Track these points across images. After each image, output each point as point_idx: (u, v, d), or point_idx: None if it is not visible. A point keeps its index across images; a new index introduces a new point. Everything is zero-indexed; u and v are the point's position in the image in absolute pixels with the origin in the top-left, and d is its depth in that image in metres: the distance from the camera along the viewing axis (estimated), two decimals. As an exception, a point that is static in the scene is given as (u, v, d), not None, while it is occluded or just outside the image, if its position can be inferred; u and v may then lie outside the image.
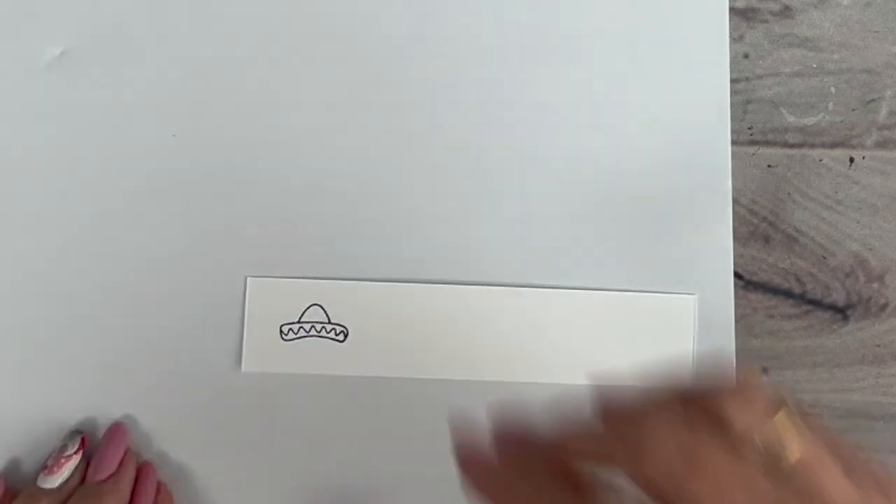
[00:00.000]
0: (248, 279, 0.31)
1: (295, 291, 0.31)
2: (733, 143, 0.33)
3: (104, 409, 0.31)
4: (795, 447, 0.21)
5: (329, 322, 0.31)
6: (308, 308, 0.31)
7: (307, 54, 0.33)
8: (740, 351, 0.32)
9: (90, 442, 0.30)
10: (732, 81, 0.33)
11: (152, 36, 0.33)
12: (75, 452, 0.29)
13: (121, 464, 0.29)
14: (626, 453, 0.22)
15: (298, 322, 0.31)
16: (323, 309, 0.31)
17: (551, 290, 0.31)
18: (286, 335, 0.31)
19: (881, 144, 0.34)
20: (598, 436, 0.23)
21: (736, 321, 0.32)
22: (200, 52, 0.33)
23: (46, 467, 0.28)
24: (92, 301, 0.31)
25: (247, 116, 0.32)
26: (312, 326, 0.31)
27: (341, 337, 0.31)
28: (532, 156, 0.33)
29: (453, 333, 0.31)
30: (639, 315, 0.32)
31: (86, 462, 0.29)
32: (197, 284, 0.31)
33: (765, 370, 0.33)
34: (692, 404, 0.22)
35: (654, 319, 0.32)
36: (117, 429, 0.30)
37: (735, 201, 0.33)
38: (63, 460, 0.28)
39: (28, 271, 0.32)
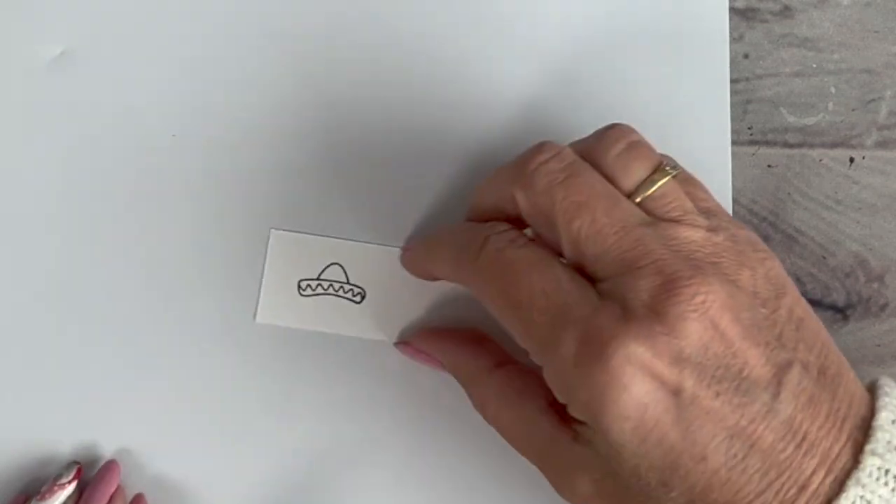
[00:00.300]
0: (272, 231, 0.32)
1: (316, 248, 0.32)
2: (733, 143, 0.33)
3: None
4: (659, 186, 0.24)
5: (347, 282, 0.31)
6: (328, 266, 0.31)
7: (309, 55, 0.33)
8: (740, 351, 0.32)
9: (87, 470, 0.30)
10: (732, 81, 0.33)
11: (153, 35, 0.33)
12: (69, 482, 0.29)
13: (110, 500, 0.29)
14: (516, 184, 0.25)
15: (317, 279, 0.31)
16: (343, 268, 0.31)
17: None
18: (304, 290, 0.31)
19: (881, 144, 0.34)
20: (496, 180, 0.27)
21: (736, 321, 0.32)
22: (200, 52, 0.33)
23: (40, 493, 0.29)
24: (101, 294, 0.31)
25: (257, 106, 0.33)
26: (331, 285, 0.31)
27: (358, 298, 0.31)
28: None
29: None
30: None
31: (79, 493, 0.30)
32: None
33: (765, 370, 0.33)
34: (579, 150, 0.25)
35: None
36: (110, 466, 0.30)
37: (735, 201, 0.33)
38: (56, 488, 0.29)
39: (27, 271, 0.32)
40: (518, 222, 0.26)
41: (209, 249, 0.32)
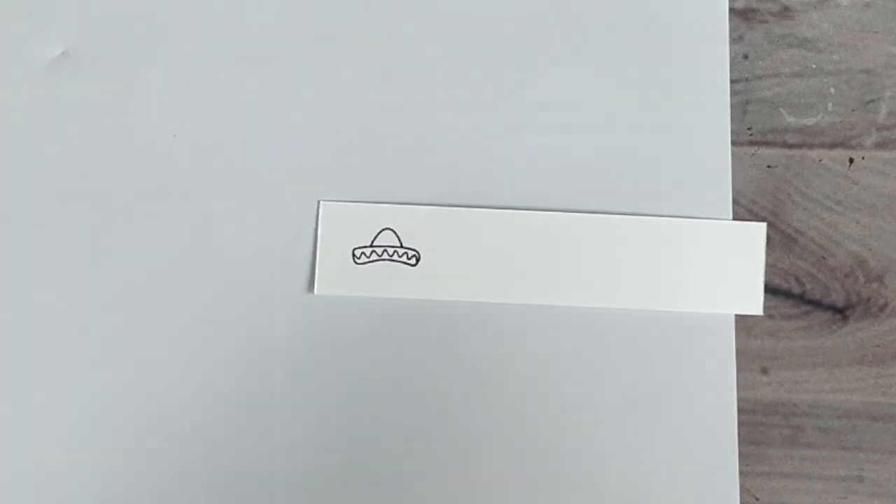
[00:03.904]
0: (321, 203, 0.32)
1: (367, 216, 0.32)
2: (733, 143, 0.33)
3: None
4: None
5: (401, 246, 0.32)
6: (380, 232, 0.32)
7: (312, 52, 0.33)
8: (740, 351, 0.32)
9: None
10: (732, 82, 0.33)
11: (153, 36, 0.33)
12: None
13: None
14: None
15: (371, 246, 0.32)
16: (395, 233, 0.32)
17: (623, 216, 0.32)
18: (358, 259, 0.32)
19: (881, 145, 0.34)
20: None
21: (735, 321, 0.32)
22: (202, 51, 0.33)
23: None
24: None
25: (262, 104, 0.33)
26: (385, 250, 0.32)
27: (413, 261, 0.32)
28: (528, 157, 0.33)
29: (522, 258, 0.32)
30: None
31: None
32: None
33: (764, 370, 0.33)
34: None
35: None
36: None
37: (735, 201, 0.33)
38: None
39: (26, 271, 0.32)
40: None
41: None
